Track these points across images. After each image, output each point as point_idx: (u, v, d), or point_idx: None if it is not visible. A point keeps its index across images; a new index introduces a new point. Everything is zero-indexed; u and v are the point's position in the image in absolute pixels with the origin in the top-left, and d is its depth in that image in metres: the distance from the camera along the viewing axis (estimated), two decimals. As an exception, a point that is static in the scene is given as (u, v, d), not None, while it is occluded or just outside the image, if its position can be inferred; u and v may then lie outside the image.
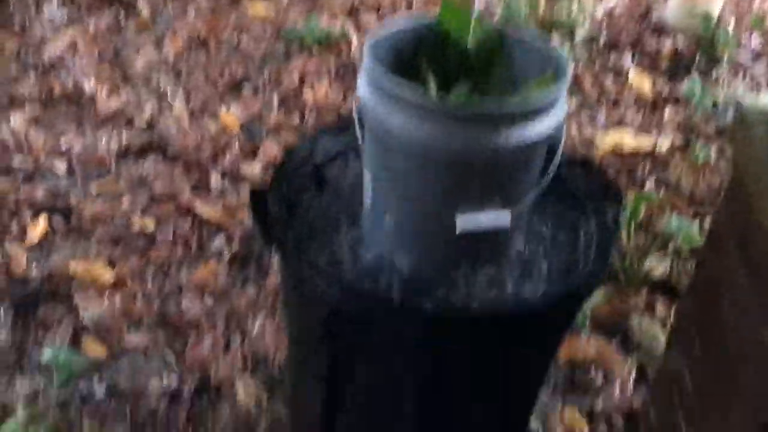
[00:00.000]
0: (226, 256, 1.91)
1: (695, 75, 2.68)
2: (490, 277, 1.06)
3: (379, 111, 0.96)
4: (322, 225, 1.14)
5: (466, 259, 1.05)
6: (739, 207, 1.25)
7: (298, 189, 1.18)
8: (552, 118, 0.96)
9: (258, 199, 1.13)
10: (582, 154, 1.26)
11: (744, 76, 2.75)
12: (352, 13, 3.02)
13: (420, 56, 1.11)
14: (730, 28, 2.88)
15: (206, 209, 2.04)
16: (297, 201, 1.18)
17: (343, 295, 0.99)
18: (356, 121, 1.04)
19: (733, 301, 1.22)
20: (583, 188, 1.19)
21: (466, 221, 0.99)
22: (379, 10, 3.05)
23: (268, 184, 1.16)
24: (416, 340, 0.98)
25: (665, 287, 1.85)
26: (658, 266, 1.89)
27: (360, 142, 1.06)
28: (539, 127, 0.95)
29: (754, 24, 2.92)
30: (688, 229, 1.83)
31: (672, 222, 1.85)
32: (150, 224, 1.98)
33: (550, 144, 1.02)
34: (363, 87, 1.00)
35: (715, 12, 2.89)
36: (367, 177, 1.06)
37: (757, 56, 2.85)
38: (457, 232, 0.99)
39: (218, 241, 1.96)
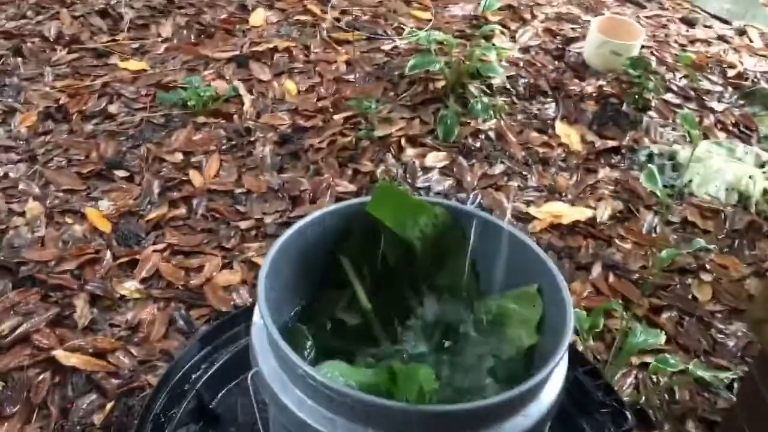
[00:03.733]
0: (99, 423, 1.50)
1: (628, 131, 2.46)
2: None
3: (285, 400, 0.61)
4: None
5: None
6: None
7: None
8: (543, 400, 0.64)
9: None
10: (590, 365, 0.93)
11: (674, 123, 2.55)
12: (241, 65, 2.63)
13: (344, 257, 0.77)
14: (655, 67, 2.68)
15: (70, 354, 1.61)
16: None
17: None
18: (252, 391, 0.68)
19: None
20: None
21: None
22: (272, 58, 2.67)
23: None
24: None
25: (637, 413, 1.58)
26: (623, 386, 1.62)
27: (258, 417, 0.70)
28: (522, 420, 0.62)
29: (683, 62, 2.73)
30: (655, 340, 1.57)
31: (636, 334, 1.58)
32: (-5, 386, 1.54)
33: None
34: (260, 353, 0.64)
35: (635, 49, 2.69)
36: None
37: (686, 99, 2.66)
38: None
39: (87, 401, 1.54)
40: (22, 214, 1.98)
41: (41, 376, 1.58)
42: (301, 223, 0.74)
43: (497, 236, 0.75)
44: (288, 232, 0.72)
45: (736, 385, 1.64)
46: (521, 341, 0.72)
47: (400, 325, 0.77)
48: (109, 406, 1.53)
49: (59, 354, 1.61)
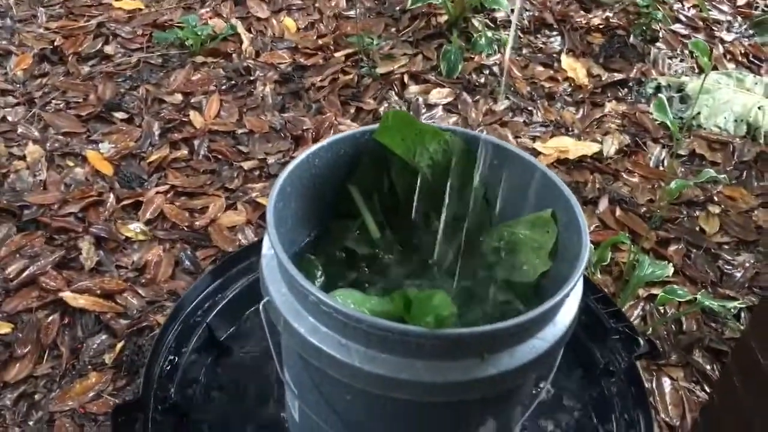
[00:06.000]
0: (110, 362, 1.51)
1: (635, 63, 2.41)
2: None
3: (299, 327, 0.61)
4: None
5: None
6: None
7: (186, 387, 0.81)
8: (558, 323, 0.63)
9: (125, 418, 0.76)
10: (601, 293, 0.90)
11: (682, 54, 2.50)
12: (238, 2, 2.58)
13: (353, 186, 0.76)
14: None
15: (78, 296, 1.62)
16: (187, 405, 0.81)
17: None
18: (264, 320, 0.68)
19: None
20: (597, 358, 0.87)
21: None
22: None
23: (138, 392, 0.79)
24: None
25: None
26: (630, 318, 1.62)
27: (271, 345, 0.69)
28: (537, 343, 0.62)
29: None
30: (662, 272, 1.56)
31: (644, 267, 1.57)
32: (5, 327, 1.55)
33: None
34: (271, 283, 0.63)
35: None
36: (290, 393, 0.71)
37: (694, 29, 2.60)
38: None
39: (97, 342, 1.55)
40: (23, 157, 1.96)
41: (50, 318, 1.58)
42: (309, 151, 0.72)
43: (509, 162, 0.73)
44: (296, 161, 0.70)
45: (743, 314, 1.65)
46: (534, 268, 0.71)
47: (411, 255, 0.76)
48: (119, 345, 1.53)
49: (67, 296, 1.61)
